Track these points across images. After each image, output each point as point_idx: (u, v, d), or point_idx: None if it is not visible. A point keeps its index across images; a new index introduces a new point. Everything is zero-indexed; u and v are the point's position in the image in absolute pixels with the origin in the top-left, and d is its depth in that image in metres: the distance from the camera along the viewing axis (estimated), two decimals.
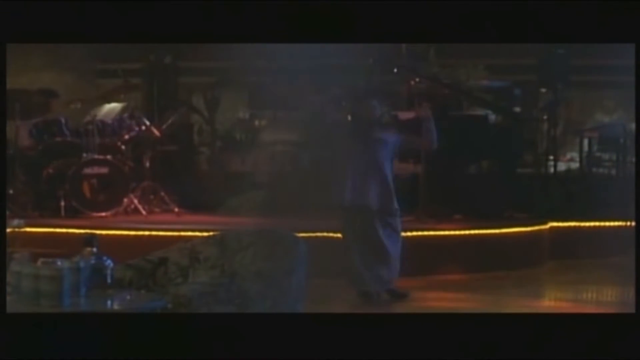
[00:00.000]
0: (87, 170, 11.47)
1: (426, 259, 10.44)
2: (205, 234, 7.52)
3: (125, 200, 11.55)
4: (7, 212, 7.72)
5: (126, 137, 12.01)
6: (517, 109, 13.91)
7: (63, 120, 12.10)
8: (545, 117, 13.81)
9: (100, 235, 5.99)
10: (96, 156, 11.58)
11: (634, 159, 13.00)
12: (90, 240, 5.53)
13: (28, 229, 7.59)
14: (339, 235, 9.19)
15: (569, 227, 11.89)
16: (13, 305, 5.18)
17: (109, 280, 5.44)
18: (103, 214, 11.37)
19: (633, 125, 12.66)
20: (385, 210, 8.98)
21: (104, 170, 11.52)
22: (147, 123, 12.06)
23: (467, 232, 10.85)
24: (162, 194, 11.88)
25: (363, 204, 8.91)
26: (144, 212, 11.52)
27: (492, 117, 12.79)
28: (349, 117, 9.60)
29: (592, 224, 11.92)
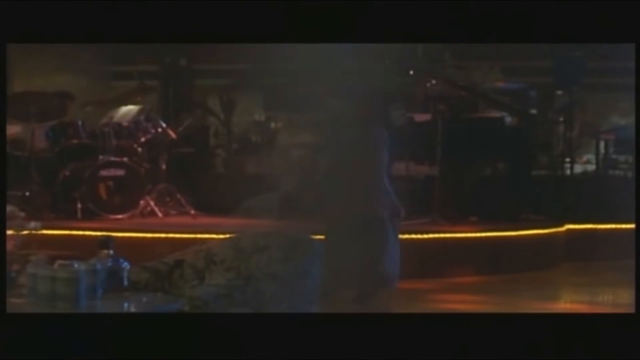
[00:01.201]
0: (104, 173, 11.47)
1: (441, 261, 10.43)
2: (221, 236, 7.53)
3: (142, 202, 11.56)
4: (23, 214, 7.73)
5: (142, 139, 12.00)
6: (533, 111, 13.87)
7: (79, 123, 12.10)
8: (561, 119, 13.78)
9: (117, 237, 5.99)
10: (112, 158, 11.58)
11: None
12: (106, 242, 5.54)
13: (44, 231, 7.58)
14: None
15: (586, 229, 11.86)
16: (30, 307, 5.19)
17: (125, 283, 5.46)
18: (119, 216, 11.38)
19: None
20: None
21: (120, 172, 11.52)
22: (164, 125, 12.09)
23: (482, 234, 10.83)
24: (178, 196, 11.89)
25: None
26: (160, 215, 11.54)
27: (508, 119, 12.76)
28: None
29: (608, 226, 11.90)
